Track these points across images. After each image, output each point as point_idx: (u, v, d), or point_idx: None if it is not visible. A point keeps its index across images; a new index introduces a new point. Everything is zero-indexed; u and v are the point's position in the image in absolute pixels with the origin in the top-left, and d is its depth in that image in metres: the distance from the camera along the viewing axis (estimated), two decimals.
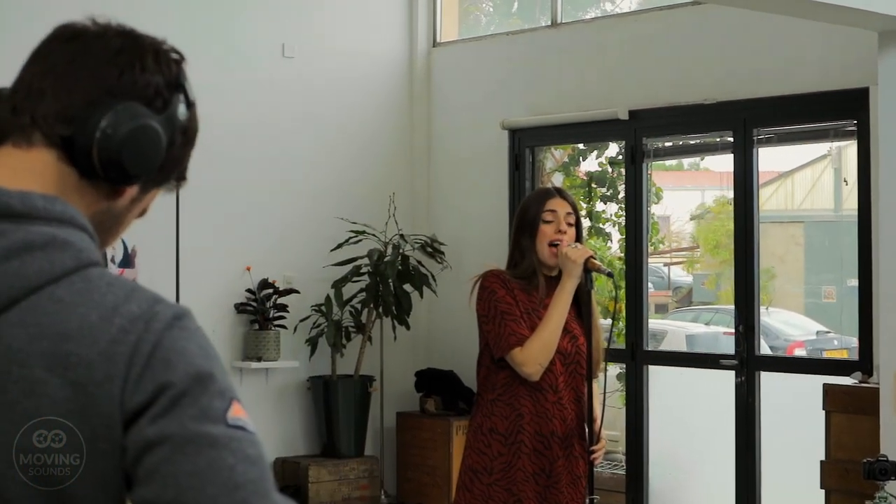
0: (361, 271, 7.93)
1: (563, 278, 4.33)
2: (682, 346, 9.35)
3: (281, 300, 7.85)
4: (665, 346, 9.22)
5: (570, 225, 4.42)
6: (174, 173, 1.57)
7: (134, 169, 1.48)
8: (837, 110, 6.80)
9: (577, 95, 7.80)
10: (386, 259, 7.94)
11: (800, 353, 9.86)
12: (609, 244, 8.71)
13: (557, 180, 8.46)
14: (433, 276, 8.06)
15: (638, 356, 7.44)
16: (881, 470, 4.79)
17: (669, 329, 10.28)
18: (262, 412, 7.73)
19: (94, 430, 1.37)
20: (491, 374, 4.40)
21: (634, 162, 7.56)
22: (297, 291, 7.92)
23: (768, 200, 11.94)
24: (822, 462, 6.14)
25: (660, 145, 7.68)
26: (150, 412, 1.36)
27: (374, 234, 8.05)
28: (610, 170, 8.22)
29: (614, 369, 8.30)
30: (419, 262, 8.08)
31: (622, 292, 7.35)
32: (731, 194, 9.67)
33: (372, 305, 7.94)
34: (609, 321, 4.53)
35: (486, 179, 8.23)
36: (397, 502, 8.21)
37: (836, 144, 8.06)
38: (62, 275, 1.40)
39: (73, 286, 1.40)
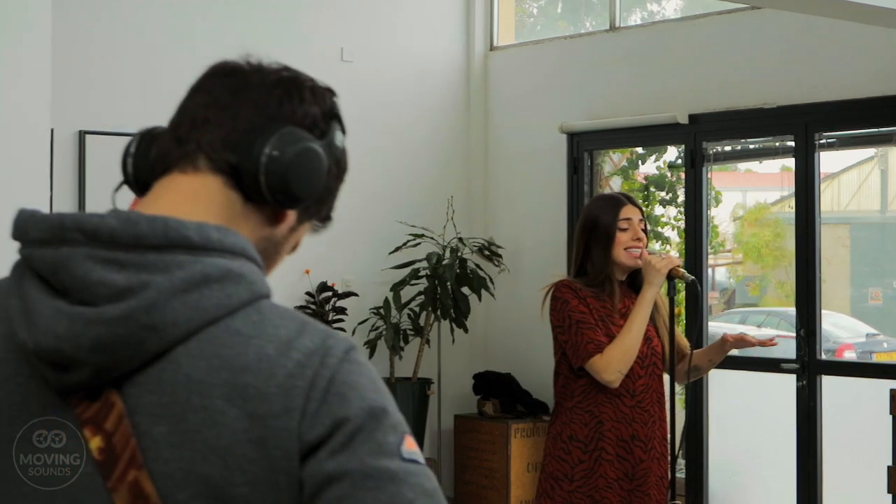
0: (420, 274, 7.97)
1: (644, 287, 4.37)
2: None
3: (340, 303, 7.90)
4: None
5: (643, 231, 4.47)
6: (326, 206, 1.60)
7: (300, 191, 1.51)
8: None
9: (635, 99, 7.82)
10: (444, 262, 7.97)
11: (849, 355, 9.83)
12: (667, 248, 8.72)
13: (616, 184, 8.47)
14: (491, 279, 8.09)
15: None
16: None
17: (719, 332, 10.29)
18: None
19: (271, 462, 1.39)
20: (569, 383, 4.44)
21: (694, 166, 7.57)
22: (356, 294, 7.96)
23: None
24: (889, 467, 6.13)
25: (720, 149, 7.68)
26: (327, 447, 1.39)
27: (432, 237, 8.09)
28: (669, 174, 8.23)
29: None
30: (477, 265, 8.11)
31: (681, 296, 7.37)
32: (774, 196, 9.68)
33: (430, 308, 7.98)
34: (699, 324, 4.54)
35: (544, 183, 8.26)
36: None
37: (881, 148, 8.07)
38: (238, 307, 1.44)
39: (248, 318, 1.43)
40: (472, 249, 8.19)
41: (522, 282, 8.31)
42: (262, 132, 1.50)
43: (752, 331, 10.64)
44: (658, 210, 8.75)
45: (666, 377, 4.54)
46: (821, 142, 7.08)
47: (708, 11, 7.61)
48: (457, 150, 8.65)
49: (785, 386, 7.13)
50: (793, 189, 7.27)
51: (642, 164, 8.46)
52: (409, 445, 1.42)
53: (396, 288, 7.92)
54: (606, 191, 8.35)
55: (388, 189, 8.25)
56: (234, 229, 1.48)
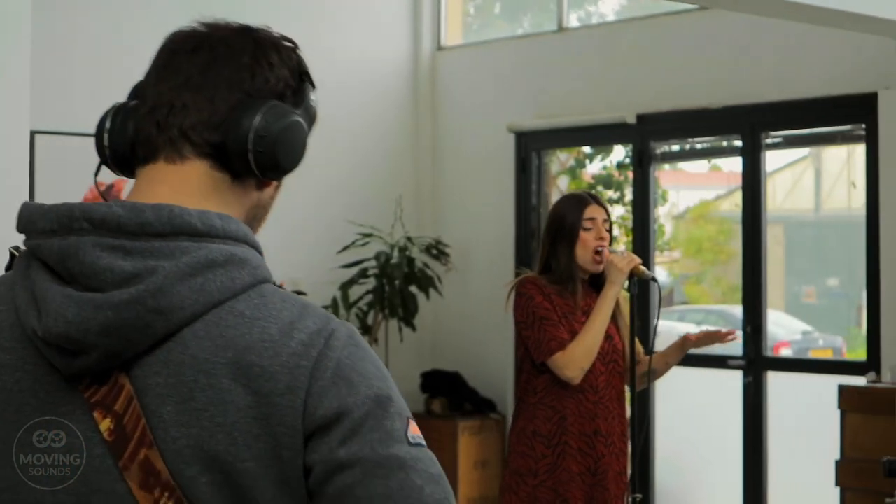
0: (368, 273, 7.99)
1: (606, 286, 4.44)
2: (658, 347, 9.43)
3: None
4: (658, 347, 9.29)
5: (607, 230, 4.54)
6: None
7: (288, 164, 1.57)
8: (845, 115, 6.90)
9: (583, 99, 7.88)
10: (392, 261, 7.99)
11: (785, 352, 9.97)
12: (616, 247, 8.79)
13: (563, 183, 8.54)
14: (439, 278, 8.13)
15: (633, 356, 7.50)
16: None
17: (661, 330, 10.36)
18: None
19: (276, 437, 1.44)
20: (532, 379, 4.49)
21: (642, 165, 7.65)
22: (305, 293, 7.94)
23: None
24: (837, 461, 6.25)
25: (667, 149, 7.77)
26: (336, 432, 1.44)
27: (380, 237, 8.11)
28: (616, 173, 8.31)
29: None
30: (425, 264, 8.15)
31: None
32: (713, 195, 9.80)
33: (378, 307, 8.00)
34: (655, 324, 4.63)
35: (492, 182, 8.30)
36: None
37: (814, 148, 8.19)
38: (241, 290, 1.48)
39: (251, 301, 1.48)
40: (420, 248, 8.22)
41: (470, 280, 8.36)
42: (245, 110, 1.54)
43: (692, 329, 10.76)
44: None
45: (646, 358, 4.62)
46: (767, 141, 7.18)
47: (656, 13, 7.69)
48: (405, 150, 8.68)
49: (731, 382, 7.23)
50: (728, 188, 7.38)
51: (590, 163, 8.53)
52: (414, 430, 1.47)
53: (345, 287, 7.93)
54: (554, 190, 8.42)
55: (337, 188, 8.25)
56: (234, 217, 1.53)
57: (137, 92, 1.61)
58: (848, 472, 6.19)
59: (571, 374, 4.39)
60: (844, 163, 8.65)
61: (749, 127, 7.18)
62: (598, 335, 4.42)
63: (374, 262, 8.00)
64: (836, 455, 6.29)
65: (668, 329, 10.45)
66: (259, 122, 1.53)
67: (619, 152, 8.29)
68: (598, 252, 4.47)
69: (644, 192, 7.64)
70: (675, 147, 7.86)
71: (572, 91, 7.96)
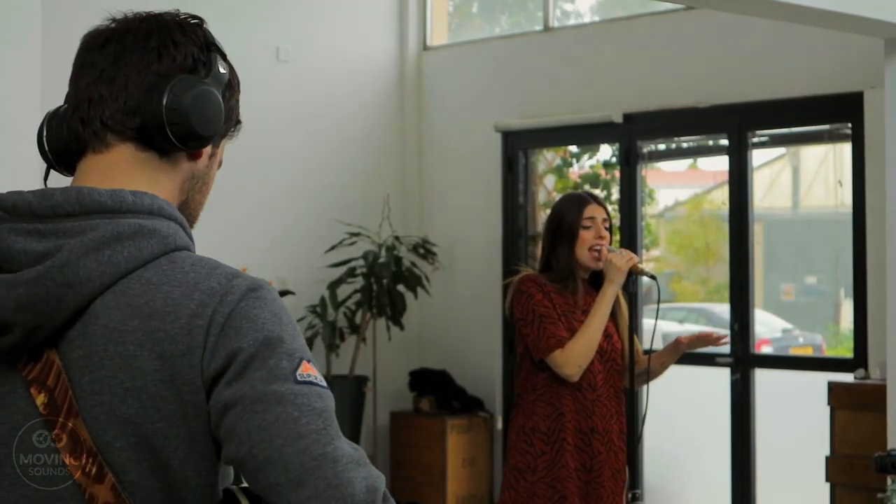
0: (356, 272, 8.01)
1: (605, 284, 4.48)
2: (657, 344, 9.47)
3: None
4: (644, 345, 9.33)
5: (606, 230, 4.58)
6: (233, 123, 1.72)
7: (206, 131, 1.63)
8: (831, 114, 6.96)
9: (570, 98, 7.92)
10: (380, 260, 8.02)
11: (766, 350, 10.03)
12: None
13: (550, 182, 8.57)
14: (426, 277, 8.16)
15: (632, 354, 7.55)
16: (893, 464, 4.96)
17: (647, 328, 10.39)
18: None
19: (182, 396, 1.51)
20: (531, 376, 4.53)
21: (629, 164, 7.69)
22: (293, 293, 7.98)
23: (726, 200, 12.10)
24: (827, 457, 6.31)
25: (654, 148, 7.82)
26: (224, 377, 1.50)
27: (368, 236, 8.13)
28: (603, 172, 8.35)
29: None
30: (413, 263, 8.17)
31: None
32: (691, 193, 9.83)
33: (366, 306, 8.02)
34: (652, 322, 4.66)
35: (479, 181, 8.33)
36: None
37: (790, 147, 8.25)
38: (150, 259, 1.55)
39: (160, 268, 1.55)
40: (407, 248, 8.24)
41: (457, 279, 8.39)
42: (155, 90, 1.61)
43: (673, 327, 10.81)
44: None
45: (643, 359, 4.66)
46: (754, 140, 7.23)
47: (642, 12, 7.74)
48: (392, 150, 8.70)
49: (719, 380, 7.28)
50: (705, 187, 7.42)
51: (577, 162, 8.56)
52: (307, 369, 1.52)
53: (333, 286, 7.95)
54: (541, 189, 8.45)
55: (325, 188, 8.27)
56: (150, 192, 1.60)
57: (66, 96, 1.69)
58: (838, 468, 6.25)
59: (570, 371, 4.42)
60: (822, 161, 8.71)
61: (735, 126, 7.23)
62: (597, 333, 4.46)
63: (361, 262, 8.02)
64: (825, 451, 6.35)
65: (651, 327, 10.48)
66: (168, 97, 1.60)
67: (606, 151, 8.33)
68: (595, 249, 4.50)
69: (631, 191, 7.68)
70: (662, 146, 7.90)
71: (559, 90, 7.99)
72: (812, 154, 8.69)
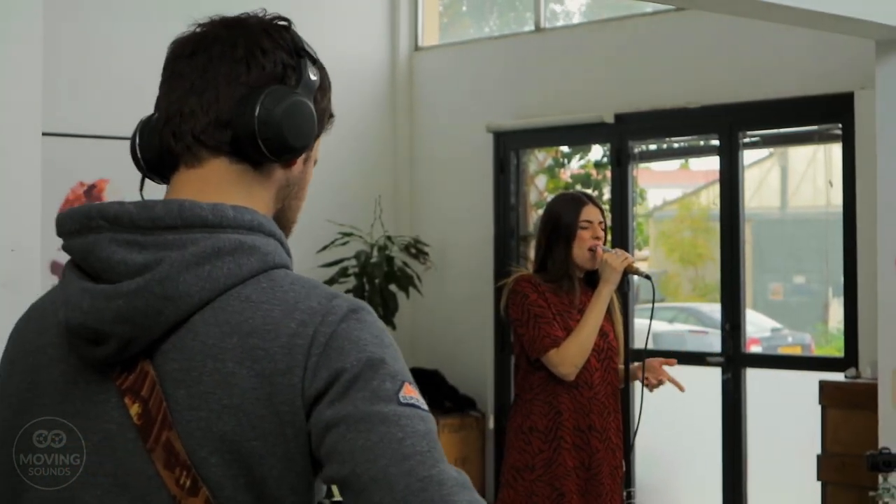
0: (348, 272, 8.02)
1: (601, 284, 4.52)
2: (652, 345, 9.48)
3: None
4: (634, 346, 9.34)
5: (602, 230, 4.62)
6: (328, 116, 1.73)
7: (299, 142, 1.63)
8: (822, 114, 6.98)
9: (561, 99, 7.94)
10: (372, 260, 8.04)
11: (755, 349, 10.07)
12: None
13: (541, 183, 8.60)
14: (418, 277, 8.18)
15: (627, 353, 7.57)
16: (885, 462, 4.98)
17: (639, 329, 10.41)
18: None
19: (280, 416, 1.49)
20: (528, 375, 4.57)
21: (620, 164, 7.72)
22: None
23: (716, 200, 12.14)
24: (818, 456, 6.34)
25: (645, 148, 7.85)
26: (327, 397, 1.49)
27: (360, 236, 8.15)
28: (594, 172, 8.38)
29: None
30: (405, 263, 8.19)
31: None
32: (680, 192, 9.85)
33: None
34: (644, 321, 4.70)
35: (471, 181, 8.35)
36: None
37: (778, 147, 8.29)
38: (249, 276, 1.54)
39: (259, 286, 1.54)
40: (399, 248, 8.26)
41: (449, 279, 8.41)
42: (247, 103, 1.60)
43: (663, 326, 10.83)
44: None
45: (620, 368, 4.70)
46: (744, 141, 7.27)
47: (634, 13, 7.76)
48: (384, 150, 8.71)
49: (710, 379, 7.30)
50: (695, 186, 7.45)
51: (568, 162, 8.59)
52: (408, 392, 1.50)
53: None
54: (533, 189, 8.48)
55: (317, 188, 8.11)
56: (247, 206, 1.59)
57: (157, 104, 1.68)
58: (830, 467, 6.28)
59: (565, 370, 4.46)
60: (810, 161, 8.75)
61: (727, 126, 7.26)
62: (592, 333, 4.50)
63: (353, 262, 8.04)
64: (817, 450, 6.38)
65: (643, 326, 10.49)
66: (260, 110, 1.58)
67: (597, 152, 8.36)
68: (591, 249, 4.54)
69: (622, 190, 7.71)
70: (653, 146, 7.94)
71: (550, 91, 8.01)
72: (800, 154, 8.73)
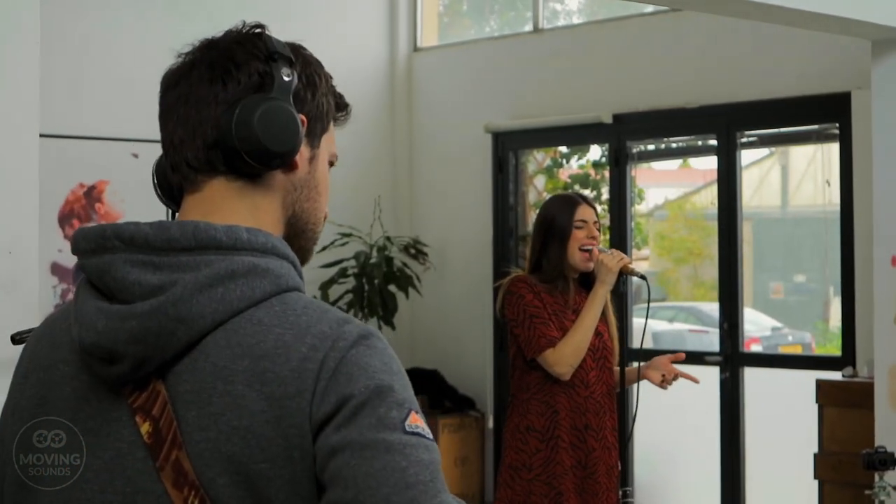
0: (348, 273, 8.05)
1: (597, 285, 4.54)
2: (647, 344, 9.51)
3: None
4: (632, 346, 9.35)
5: (597, 230, 4.64)
6: (328, 111, 1.71)
7: (281, 147, 1.61)
8: (819, 114, 7.01)
9: (560, 99, 7.97)
10: (372, 261, 8.06)
11: (756, 348, 10.09)
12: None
13: (540, 183, 8.62)
14: (418, 277, 8.20)
15: (623, 353, 7.60)
16: (880, 460, 4.99)
17: (637, 328, 10.42)
18: None
19: (288, 439, 1.50)
20: (524, 375, 4.59)
21: (618, 164, 7.75)
22: None
23: (714, 200, 12.14)
24: (815, 454, 6.36)
25: (643, 148, 7.87)
26: (334, 422, 1.49)
27: (360, 237, 8.17)
28: (593, 172, 8.40)
29: None
30: (404, 264, 8.21)
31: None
32: (681, 192, 9.87)
33: (358, 307, 8.05)
34: (642, 321, 4.72)
35: (470, 182, 8.38)
36: None
37: (779, 147, 8.31)
38: (262, 299, 1.55)
39: (271, 309, 1.55)
40: (399, 248, 8.28)
41: (448, 279, 8.43)
42: (225, 119, 1.61)
43: (663, 326, 10.85)
44: None
45: (617, 369, 4.72)
46: (742, 140, 7.29)
47: (632, 13, 7.78)
48: (383, 151, 8.74)
49: (708, 378, 7.32)
50: (695, 186, 7.46)
51: (567, 162, 8.62)
52: (414, 420, 1.50)
53: (325, 287, 7.98)
54: (531, 190, 8.50)
55: None
56: (256, 224, 1.60)
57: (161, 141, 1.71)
58: (826, 465, 6.31)
59: (561, 370, 4.49)
60: (811, 160, 8.76)
61: (724, 126, 7.28)
62: (588, 333, 4.53)
63: (353, 262, 8.06)
64: (814, 448, 6.41)
65: (641, 326, 10.50)
66: (236, 124, 1.59)
67: (596, 152, 8.38)
68: (585, 250, 4.56)
69: (621, 190, 7.73)
70: (651, 146, 7.96)
71: (549, 91, 8.04)
72: (801, 153, 8.74)
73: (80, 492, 1.59)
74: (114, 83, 7.25)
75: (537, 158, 8.65)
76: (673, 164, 9.22)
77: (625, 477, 5.37)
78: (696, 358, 7.41)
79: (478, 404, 8.31)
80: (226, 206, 1.62)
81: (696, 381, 4.83)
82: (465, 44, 8.84)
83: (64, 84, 7.12)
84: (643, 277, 4.63)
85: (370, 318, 8.10)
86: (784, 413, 7.14)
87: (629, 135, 7.71)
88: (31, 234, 3.35)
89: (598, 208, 8.34)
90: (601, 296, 4.55)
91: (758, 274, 11.47)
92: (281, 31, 1.65)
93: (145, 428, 1.54)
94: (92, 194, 7.20)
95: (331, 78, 1.74)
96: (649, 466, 7.80)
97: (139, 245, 1.55)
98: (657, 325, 10.88)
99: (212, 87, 1.61)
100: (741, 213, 7.33)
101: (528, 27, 8.46)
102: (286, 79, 1.64)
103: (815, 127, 7.15)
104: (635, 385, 4.70)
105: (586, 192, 8.02)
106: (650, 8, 7.46)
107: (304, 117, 1.65)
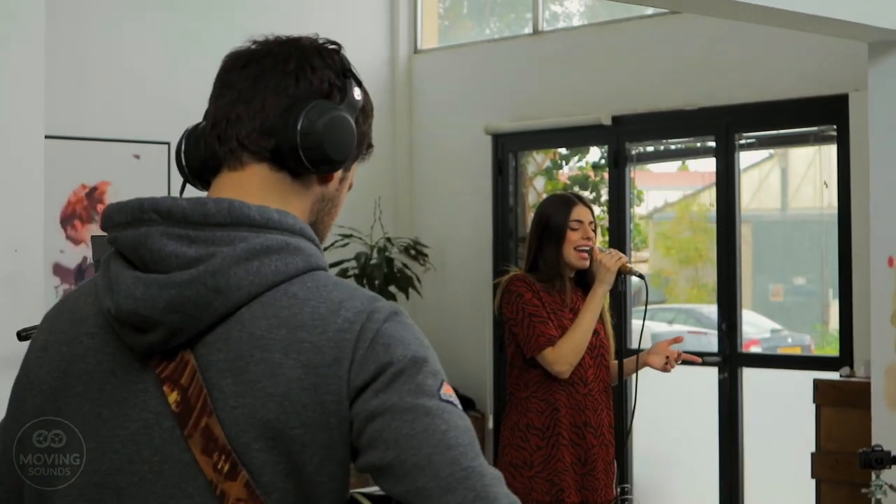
0: (348, 274, 8.07)
1: (596, 284, 4.58)
2: (647, 344, 9.53)
3: None
4: (631, 346, 9.39)
5: (593, 231, 4.68)
6: (365, 146, 1.80)
7: (337, 156, 1.70)
8: (817, 116, 7.04)
9: (559, 101, 8.00)
10: (372, 262, 8.09)
11: (755, 350, 10.11)
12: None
13: (539, 184, 8.66)
14: (418, 278, 8.23)
15: (622, 354, 7.63)
16: (877, 459, 5.02)
17: (634, 329, 10.46)
18: None
19: (324, 405, 1.57)
20: (523, 373, 4.63)
21: (617, 166, 7.78)
22: None
23: (713, 201, 12.17)
24: (812, 454, 6.40)
25: (642, 150, 7.91)
26: (372, 388, 1.57)
27: (360, 238, 8.21)
28: (592, 174, 8.43)
29: None
30: (404, 265, 8.25)
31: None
32: (680, 195, 9.89)
33: None
34: (640, 322, 4.76)
35: (469, 183, 8.41)
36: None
37: (778, 149, 8.34)
38: (295, 274, 1.62)
39: (304, 284, 1.62)
40: (399, 249, 8.31)
41: (448, 280, 8.46)
42: (291, 113, 1.68)
43: (662, 327, 10.88)
44: None
45: (613, 364, 4.77)
46: (741, 142, 7.32)
47: (630, 16, 7.82)
48: (383, 152, 8.76)
49: (707, 379, 7.36)
50: (695, 188, 7.49)
51: (566, 164, 8.65)
52: (447, 390, 1.59)
53: None
54: (531, 191, 8.53)
55: None
56: (293, 213, 1.67)
57: (206, 114, 1.76)
58: (824, 465, 6.34)
59: (560, 368, 4.53)
60: (811, 162, 8.79)
61: (723, 128, 7.32)
62: (588, 332, 4.57)
63: (353, 263, 8.09)
64: (812, 448, 6.44)
65: (639, 327, 10.53)
66: (303, 121, 1.66)
67: (595, 153, 8.41)
68: (581, 249, 4.60)
69: (620, 192, 7.77)
70: (650, 148, 7.99)
71: (548, 93, 8.07)
72: (800, 156, 8.77)
73: (109, 463, 1.63)
74: (116, 85, 7.28)
75: (537, 160, 8.69)
76: (672, 166, 9.25)
77: (623, 474, 5.44)
78: None
79: (478, 405, 8.35)
80: (261, 192, 1.68)
81: (698, 360, 4.91)
82: (465, 46, 8.87)
83: (66, 86, 7.16)
84: (641, 277, 4.68)
85: None
86: (782, 413, 7.18)
87: (628, 136, 7.75)
88: (37, 233, 3.39)
89: (598, 210, 8.43)
90: (600, 295, 4.60)
91: (757, 276, 11.48)
92: (281, 32, 1.70)
93: (173, 397, 1.59)
94: (94, 195, 7.24)
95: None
96: (648, 466, 7.83)
97: (176, 219, 1.60)
98: (657, 326, 10.91)
99: (284, 78, 1.69)
100: (740, 215, 7.36)
101: (528, 29, 8.50)
102: (357, 98, 1.73)
103: (814, 129, 7.19)
104: (634, 380, 4.74)
105: (585, 194, 8.06)
106: (649, 10, 7.49)
107: None
